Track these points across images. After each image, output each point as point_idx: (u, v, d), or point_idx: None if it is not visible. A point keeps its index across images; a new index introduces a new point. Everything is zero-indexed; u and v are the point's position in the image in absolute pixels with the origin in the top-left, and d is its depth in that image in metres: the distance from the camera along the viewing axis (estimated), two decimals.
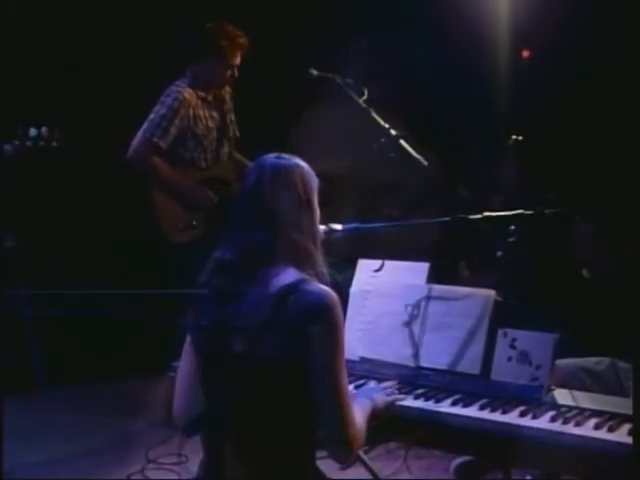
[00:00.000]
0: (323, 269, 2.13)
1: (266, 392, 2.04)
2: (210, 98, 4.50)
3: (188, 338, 2.18)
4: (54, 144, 4.14)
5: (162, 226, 4.26)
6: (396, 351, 2.64)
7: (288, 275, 2.05)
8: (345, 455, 2.11)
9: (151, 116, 4.30)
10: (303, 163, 2.21)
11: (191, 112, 4.35)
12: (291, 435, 2.07)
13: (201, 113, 4.42)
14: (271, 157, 2.20)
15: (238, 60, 4.42)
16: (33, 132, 4.18)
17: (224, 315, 2.06)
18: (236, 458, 2.08)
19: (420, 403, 2.41)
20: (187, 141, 4.37)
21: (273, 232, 2.09)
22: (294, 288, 2.02)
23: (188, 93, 4.35)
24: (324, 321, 2.01)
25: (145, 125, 4.29)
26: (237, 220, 2.16)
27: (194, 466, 2.21)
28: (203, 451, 2.19)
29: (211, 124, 4.47)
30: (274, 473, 2.07)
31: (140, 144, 4.27)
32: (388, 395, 2.41)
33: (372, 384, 2.52)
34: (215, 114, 4.50)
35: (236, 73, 4.46)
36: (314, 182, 2.20)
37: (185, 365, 2.20)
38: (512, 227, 2.90)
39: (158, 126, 4.27)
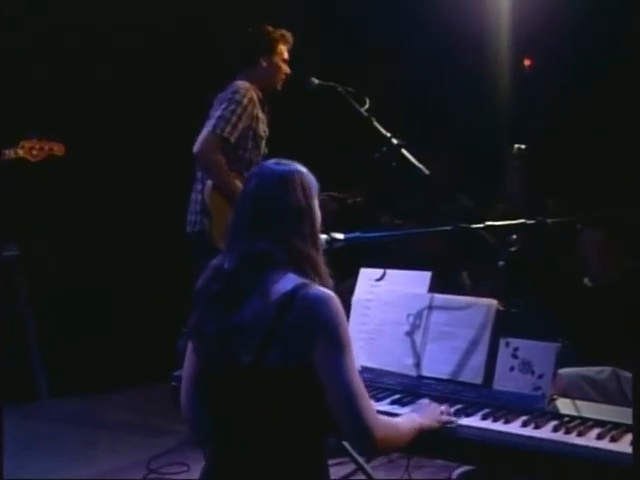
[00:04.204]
0: (326, 273, 2.12)
1: (273, 401, 2.03)
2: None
3: (190, 344, 2.18)
4: None
5: (212, 230, 4.11)
6: (398, 360, 2.63)
7: (287, 281, 2.04)
8: (368, 445, 2.02)
9: (218, 113, 4.16)
10: (302, 168, 2.20)
11: (255, 112, 4.27)
12: (299, 443, 2.06)
13: (260, 114, 4.33)
14: (270, 163, 2.19)
15: (287, 55, 4.37)
16: None
17: (226, 323, 2.05)
18: (239, 467, 2.07)
19: None
20: (248, 141, 4.27)
21: (273, 239, 2.07)
22: (294, 295, 2.01)
23: (255, 91, 4.27)
24: (326, 322, 2.00)
25: (213, 121, 4.16)
26: (237, 227, 2.15)
27: (195, 475, 2.20)
28: (205, 460, 2.19)
29: (266, 127, 4.39)
30: None
31: (208, 139, 4.14)
32: (442, 414, 2.28)
33: (425, 401, 2.39)
34: (265, 117, 4.42)
35: (288, 69, 4.39)
36: (314, 187, 2.19)
37: (188, 368, 2.20)
38: (514, 236, 2.90)
39: (228, 121, 4.14)
